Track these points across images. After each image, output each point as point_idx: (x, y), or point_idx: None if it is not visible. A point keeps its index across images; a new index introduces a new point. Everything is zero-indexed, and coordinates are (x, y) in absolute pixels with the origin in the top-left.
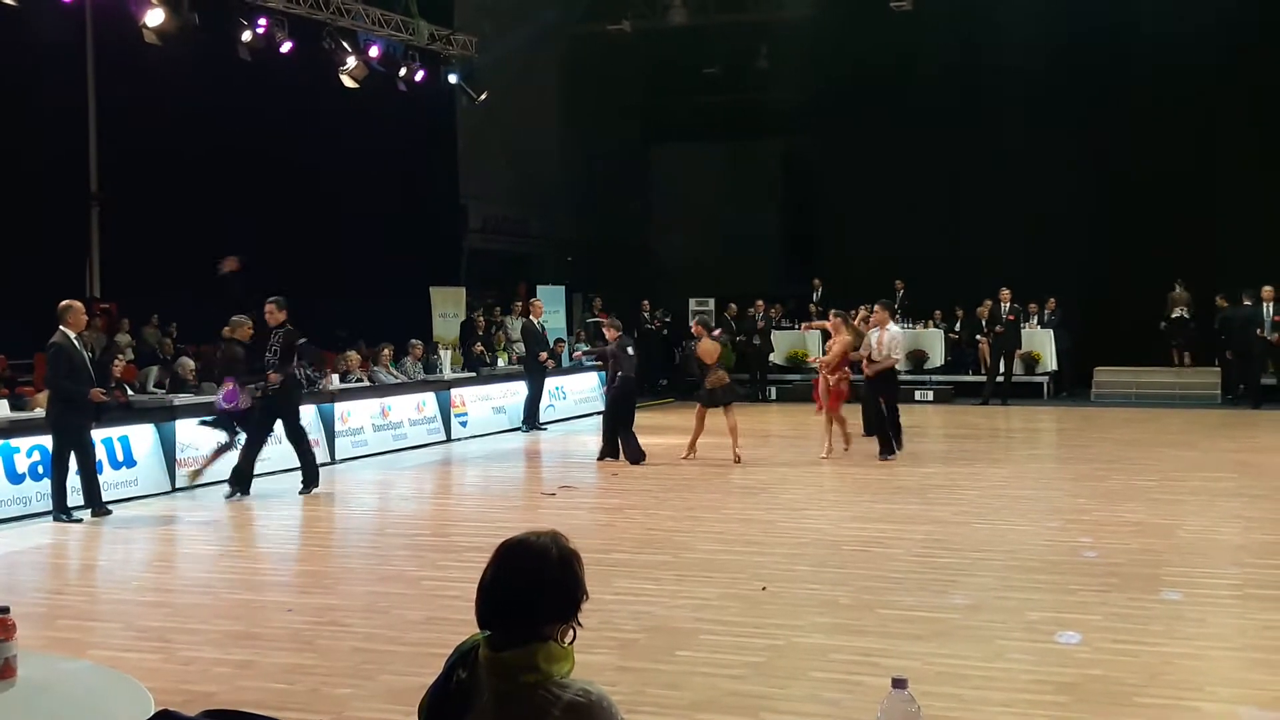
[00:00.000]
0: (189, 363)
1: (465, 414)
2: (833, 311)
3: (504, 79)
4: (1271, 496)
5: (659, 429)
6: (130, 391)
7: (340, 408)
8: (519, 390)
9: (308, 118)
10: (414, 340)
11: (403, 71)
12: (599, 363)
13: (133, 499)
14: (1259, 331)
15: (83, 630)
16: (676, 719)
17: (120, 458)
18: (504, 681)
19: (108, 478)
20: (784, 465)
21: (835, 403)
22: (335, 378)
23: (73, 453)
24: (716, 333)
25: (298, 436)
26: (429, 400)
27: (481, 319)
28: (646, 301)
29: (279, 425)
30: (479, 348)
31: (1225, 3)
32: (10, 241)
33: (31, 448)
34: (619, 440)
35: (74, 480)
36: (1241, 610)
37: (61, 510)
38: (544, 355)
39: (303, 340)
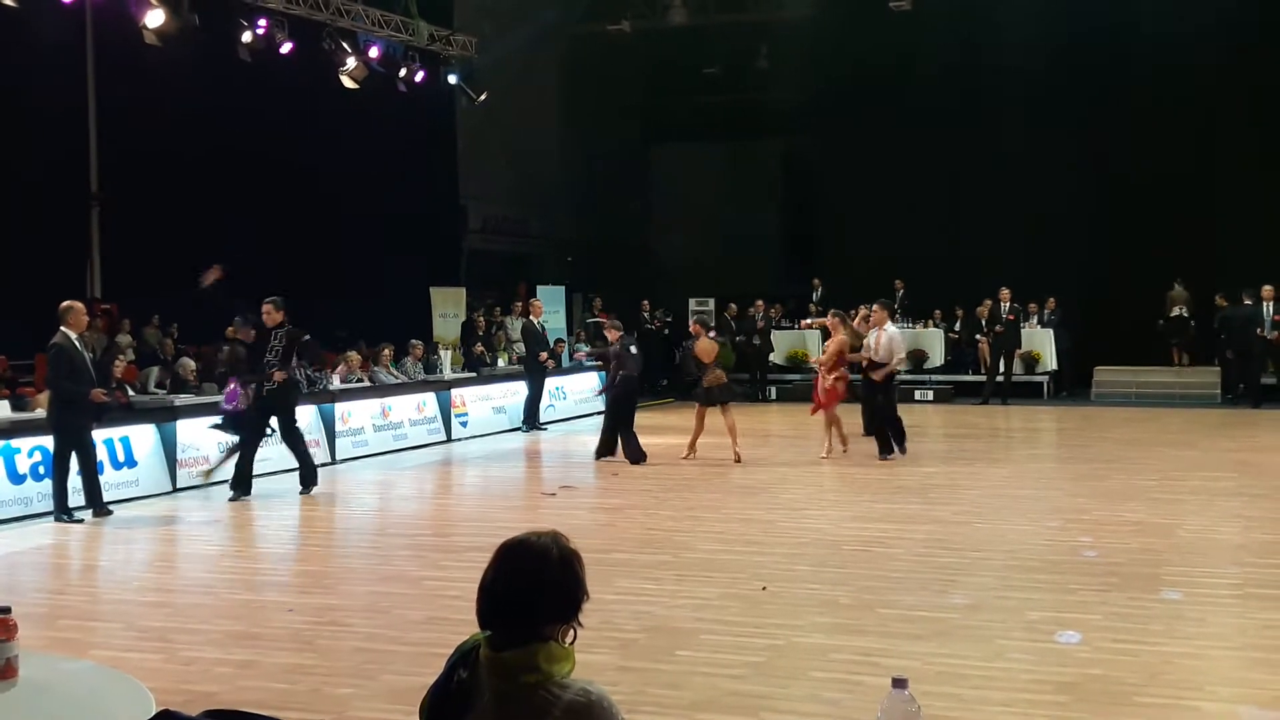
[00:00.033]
0: (190, 363)
1: (465, 414)
2: (831, 311)
3: (504, 79)
4: (1271, 496)
5: (659, 429)
6: (131, 392)
7: (341, 408)
8: (519, 390)
9: (308, 118)
10: (414, 340)
11: (403, 72)
12: (599, 363)
13: (134, 499)
14: (1259, 331)
15: (84, 630)
16: (677, 719)
17: (121, 458)
18: (504, 681)
19: (109, 478)
20: (784, 465)
21: (830, 402)
22: (336, 378)
23: (74, 453)
24: (710, 334)
25: (294, 438)
26: (429, 400)
27: (482, 319)
28: (646, 301)
29: (276, 425)
30: (479, 348)
31: (1225, 3)
32: (11, 242)
33: (33, 448)
34: (620, 439)
35: (75, 481)
36: (1241, 610)
37: (63, 510)
38: (544, 355)
39: (306, 338)
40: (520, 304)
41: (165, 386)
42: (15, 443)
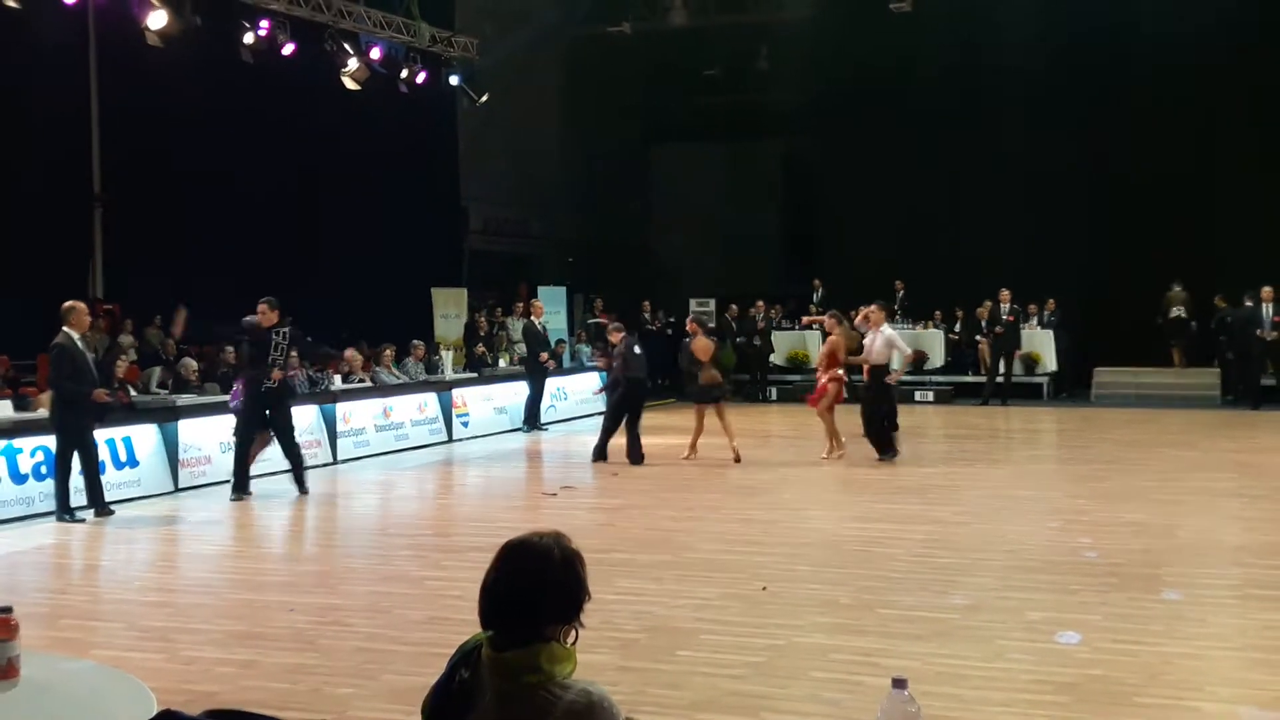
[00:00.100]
0: (192, 363)
1: (467, 414)
2: (829, 311)
3: (505, 80)
4: (1271, 497)
5: (659, 429)
6: (133, 392)
7: (342, 408)
8: (520, 391)
9: (309, 119)
10: (416, 341)
11: (404, 73)
12: (599, 360)
13: (135, 499)
14: (1258, 332)
15: (85, 630)
16: (677, 719)
17: (123, 458)
18: (506, 681)
19: (110, 478)
20: (784, 465)
21: (818, 400)
22: (337, 378)
23: (76, 453)
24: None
25: (288, 441)
26: (430, 401)
27: (483, 320)
28: (647, 302)
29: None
30: (480, 348)
31: (1225, 3)
32: (13, 242)
33: (35, 448)
34: (626, 440)
35: (77, 480)
36: (1241, 610)
37: (64, 510)
38: (545, 356)
39: (308, 339)
40: (521, 304)
41: (167, 386)
42: (17, 443)
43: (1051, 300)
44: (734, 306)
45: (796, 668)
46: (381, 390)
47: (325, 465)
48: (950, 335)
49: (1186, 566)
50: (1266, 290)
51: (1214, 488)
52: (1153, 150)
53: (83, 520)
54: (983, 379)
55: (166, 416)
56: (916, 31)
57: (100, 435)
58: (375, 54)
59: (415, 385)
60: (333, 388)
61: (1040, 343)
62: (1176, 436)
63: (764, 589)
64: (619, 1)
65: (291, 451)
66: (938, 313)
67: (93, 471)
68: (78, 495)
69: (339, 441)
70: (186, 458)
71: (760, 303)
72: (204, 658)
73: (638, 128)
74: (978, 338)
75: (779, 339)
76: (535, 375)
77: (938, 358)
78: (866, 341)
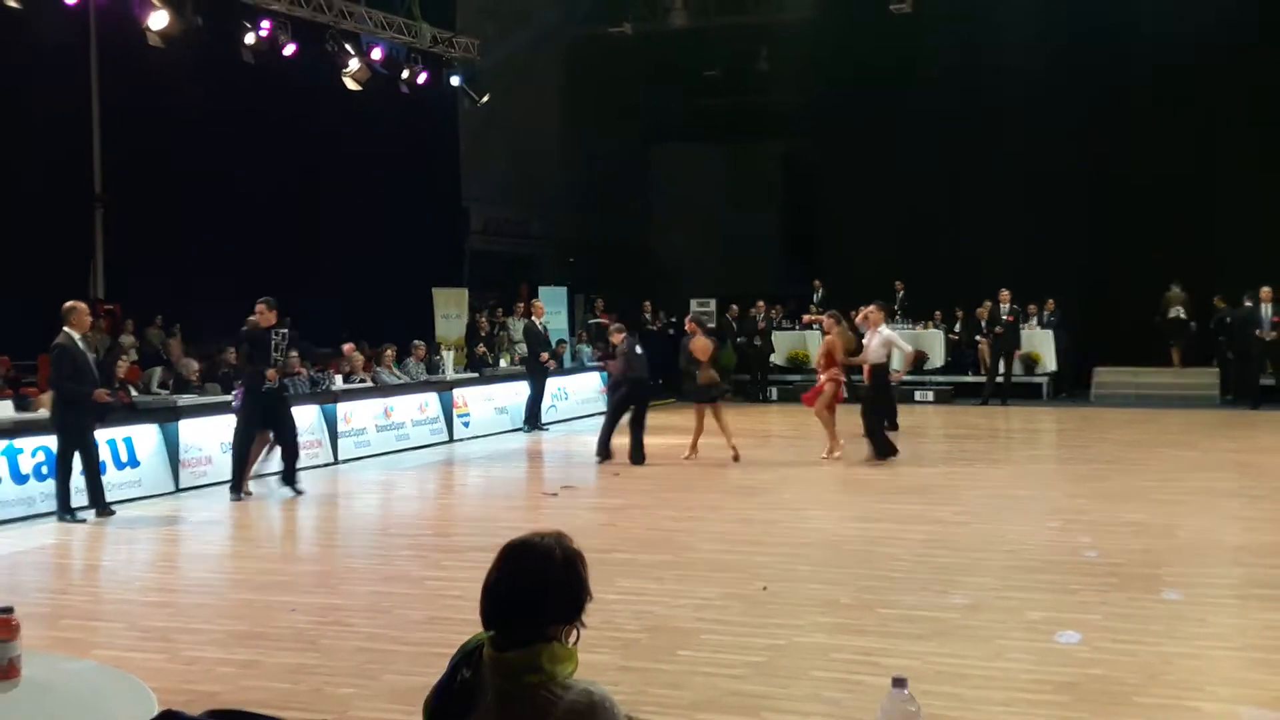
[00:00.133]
0: (193, 364)
1: (468, 414)
2: (828, 312)
3: (506, 81)
4: (1271, 497)
5: (659, 429)
6: (134, 392)
7: (343, 408)
8: (521, 391)
9: (310, 120)
10: (417, 341)
11: (405, 74)
12: (601, 363)
13: (136, 499)
14: (1257, 332)
15: (86, 630)
16: (678, 718)
17: (124, 458)
18: (507, 681)
19: (111, 478)
20: (784, 465)
21: (813, 399)
22: (339, 378)
23: (77, 453)
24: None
25: (290, 441)
26: (431, 401)
27: (484, 320)
28: (648, 302)
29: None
30: (481, 349)
31: (1225, 3)
32: (14, 243)
33: (36, 448)
34: (629, 439)
35: (78, 481)
36: (1241, 610)
37: (65, 510)
38: (545, 356)
39: (303, 341)
40: (522, 305)
41: (168, 387)
42: (18, 443)
43: (1051, 300)
44: (734, 306)
45: (797, 667)
46: (382, 390)
47: (326, 465)
48: (950, 335)
49: (1186, 566)
50: (1265, 290)
51: (1214, 487)
52: (1153, 150)
53: (84, 520)
54: (982, 379)
55: (167, 417)
56: (916, 32)
57: (101, 435)
58: (376, 54)
59: (416, 385)
60: (334, 388)
61: (1040, 343)
62: (1176, 436)
63: (764, 589)
64: (619, 2)
65: (290, 452)
66: (938, 313)
67: (94, 472)
68: (79, 495)
69: (340, 441)
70: (187, 458)
71: (760, 303)
72: (205, 658)
73: (638, 128)
74: (977, 338)
75: (779, 339)
76: (536, 375)
77: (937, 358)
78: (865, 341)
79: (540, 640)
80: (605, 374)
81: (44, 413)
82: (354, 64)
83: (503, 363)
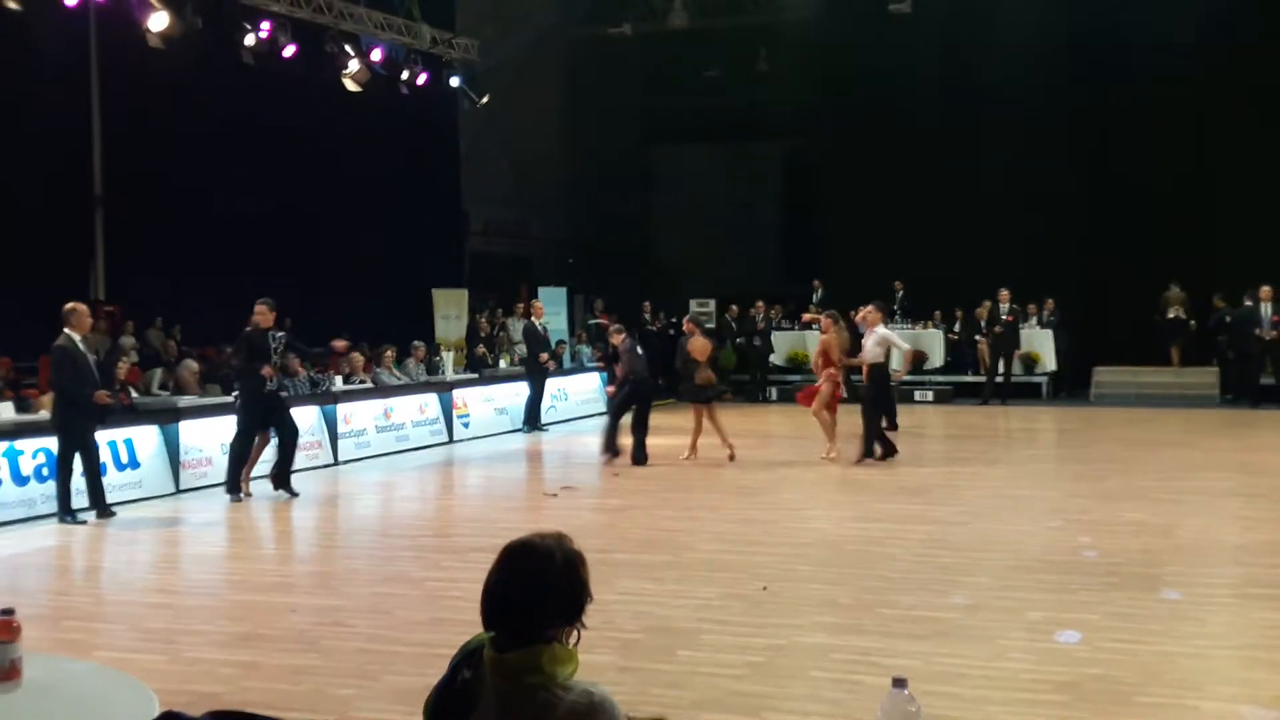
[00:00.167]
0: (193, 365)
1: (467, 415)
2: (825, 312)
3: (505, 82)
4: (1271, 496)
5: (659, 429)
6: (134, 393)
7: (343, 409)
8: (521, 392)
9: (310, 121)
10: (417, 342)
11: (405, 75)
12: (601, 363)
13: (137, 501)
14: (1257, 331)
15: (88, 631)
16: (678, 719)
17: (125, 460)
18: (508, 682)
19: (112, 479)
20: (784, 465)
21: (808, 399)
22: (339, 379)
23: (77, 455)
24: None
25: (289, 442)
26: (431, 402)
27: (484, 321)
28: (648, 303)
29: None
30: (481, 349)
31: (1224, 3)
32: (15, 244)
33: (36, 450)
34: (633, 439)
35: (79, 482)
36: (1241, 609)
37: (66, 512)
38: (545, 356)
39: (297, 343)
40: (522, 305)
41: (168, 388)
42: (19, 444)
43: (1051, 300)
44: (734, 307)
45: (797, 667)
46: (382, 391)
47: (326, 466)
48: (950, 335)
49: (1186, 566)
50: (1265, 289)
51: (1214, 487)
52: (1152, 150)
53: (84, 522)
54: (982, 379)
55: (168, 418)
56: (916, 32)
57: (102, 437)
58: (376, 56)
59: (416, 386)
60: (334, 389)
61: (1039, 342)
62: (1176, 436)
63: (764, 589)
64: (619, 3)
65: (286, 454)
66: (937, 313)
67: (94, 473)
68: (79, 497)
69: (340, 442)
70: (188, 459)
71: (760, 303)
72: (206, 659)
73: (638, 129)
74: (977, 337)
75: (779, 339)
76: (536, 376)
77: (937, 358)
78: (864, 341)
79: (541, 641)
80: (605, 374)
81: (44, 414)
82: (354, 65)
83: (502, 363)
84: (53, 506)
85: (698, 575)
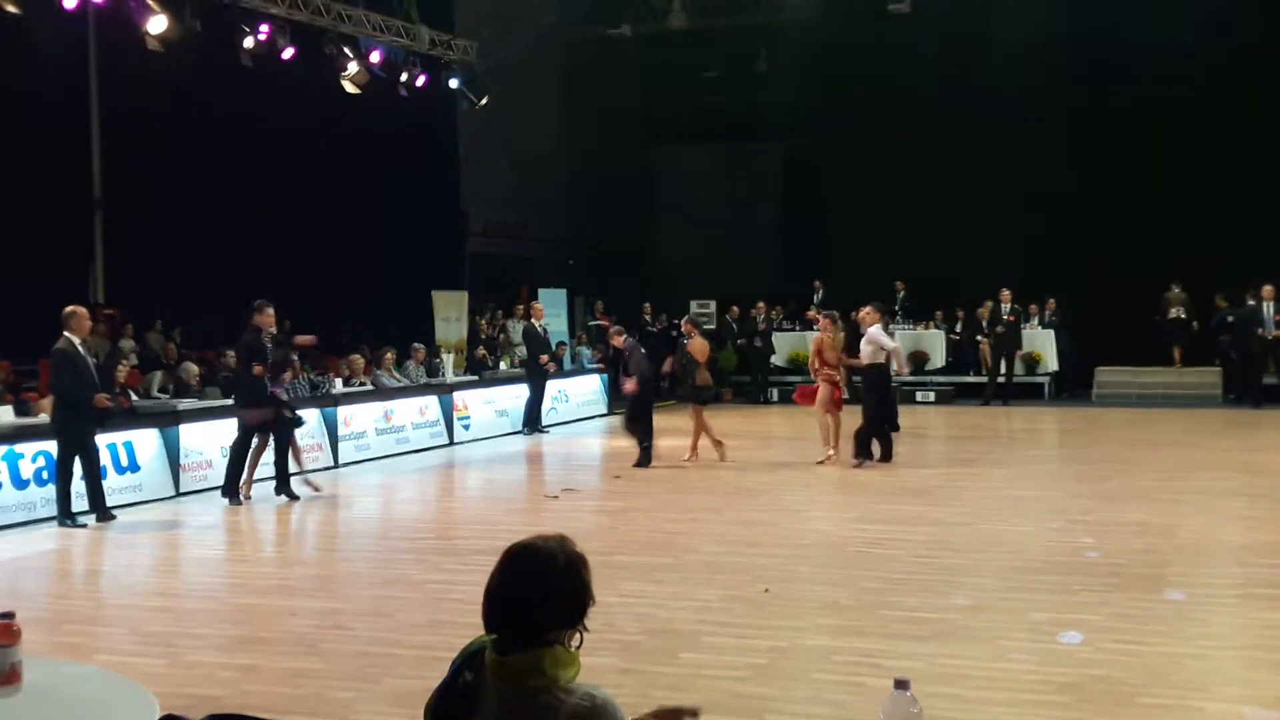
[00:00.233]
0: (193, 368)
1: (468, 417)
2: (823, 312)
3: (504, 83)
4: (1273, 496)
5: (659, 430)
6: (134, 397)
7: (343, 411)
8: (521, 393)
9: (309, 123)
10: (416, 344)
11: (404, 77)
12: (601, 365)
13: (137, 504)
14: (1259, 331)
15: (88, 635)
16: None
17: (124, 463)
18: (510, 685)
19: (112, 483)
20: (785, 467)
21: (805, 398)
22: (338, 381)
23: (77, 458)
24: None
25: (285, 444)
26: (431, 404)
27: (485, 323)
28: (648, 304)
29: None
30: (481, 351)
31: (1224, 3)
32: (14, 246)
33: (36, 453)
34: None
35: (78, 485)
36: (1244, 610)
37: (66, 515)
38: (545, 358)
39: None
40: (522, 307)
41: (168, 391)
42: (19, 448)
43: (1052, 300)
44: (735, 308)
45: (799, 669)
46: (382, 393)
47: (326, 469)
48: (951, 335)
49: (1189, 566)
50: (1268, 289)
51: (1216, 487)
52: (1153, 150)
53: (84, 525)
54: (984, 379)
55: (168, 421)
56: (915, 32)
57: (101, 440)
58: (375, 58)
59: (416, 388)
60: (334, 391)
61: (1041, 342)
62: (1178, 436)
63: (766, 591)
64: (619, 3)
65: (282, 456)
66: (939, 313)
67: (94, 476)
68: (79, 500)
69: (340, 445)
70: (188, 462)
71: (761, 304)
72: (206, 662)
73: (637, 130)
74: (979, 338)
75: (780, 340)
76: (536, 378)
77: (939, 358)
78: (863, 342)
79: (543, 644)
80: (605, 377)
81: (44, 417)
82: (353, 67)
83: (503, 365)
84: (52, 510)
85: (699, 577)
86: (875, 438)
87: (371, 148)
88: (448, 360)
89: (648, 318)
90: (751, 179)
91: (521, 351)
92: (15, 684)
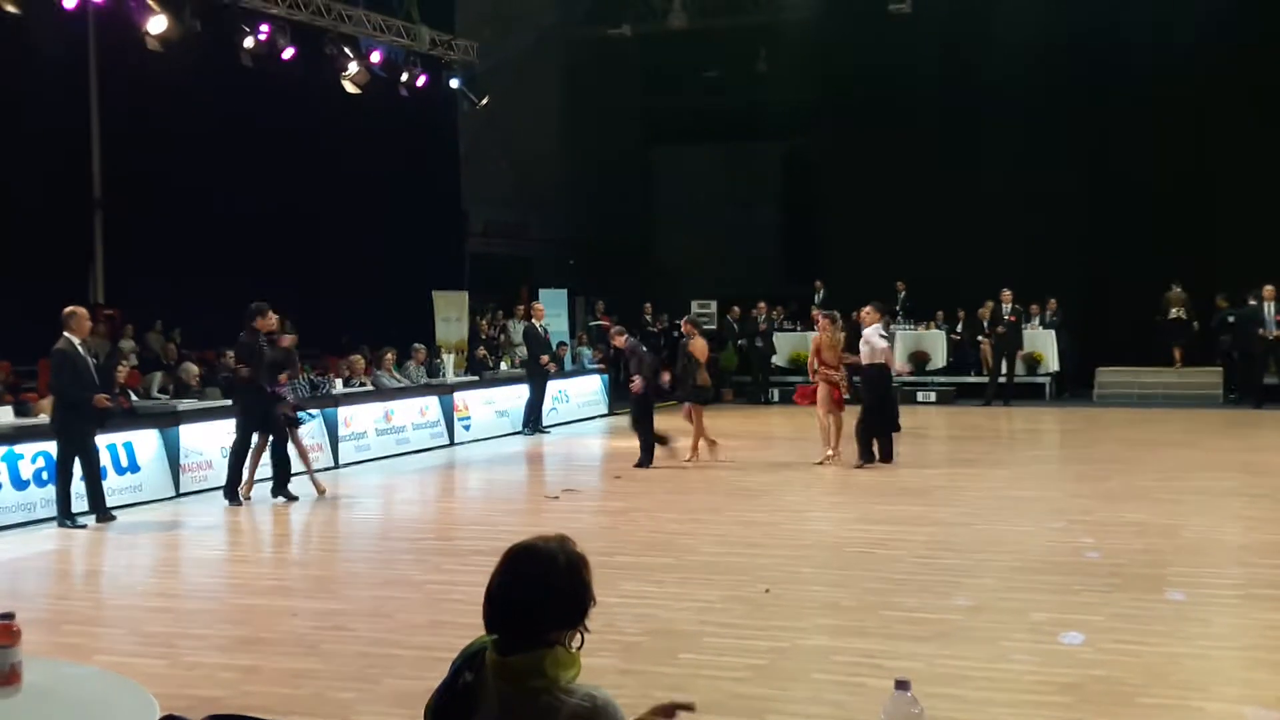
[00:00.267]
0: (193, 368)
1: (468, 418)
2: (821, 312)
3: (505, 83)
4: (1274, 496)
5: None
6: (134, 397)
7: (343, 412)
8: (522, 394)
9: (310, 124)
10: (417, 344)
11: (404, 77)
12: (602, 365)
13: (137, 504)
14: (1260, 331)
15: (88, 636)
16: None
17: (124, 463)
18: (510, 686)
19: (112, 483)
20: (786, 467)
21: (804, 398)
22: (339, 382)
23: (77, 458)
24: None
25: (281, 446)
26: (432, 404)
27: (486, 324)
28: (649, 304)
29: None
30: (481, 351)
31: (1225, 3)
32: (14, 247)
33: (36, 454)
34: (640, 438)
35: (78, 486)
36: (1245, 610)
37: (66, 516)
38: (545, 359)
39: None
40: (522, 307)
41: (168, 391)
42: (18, 448)
43: (1053, 300)
44: (736, 308)
45: (799, 670)
46: (383, 394)
47: (326, 469)
48: (952, 336)
49: (1190, 566)
50: (1269, 289)
51: (1217, 487)
52: (1153, 150)
53: (84, 526)
54: (985, 379)
55: (168, 421)
56: (916, 32)
57: (101, 440)
58: (375, 58)
59: (416, 389)
60: (334, 392)
61: (1042, 343)
62: (1179, 436)
63: (767, 591)
64: (619, 3)
65: (280, 457)
66: (940, 313)
67: (94, 477)
68: (79, 501)
69: (340, 445)
70: (188, 463)
71: (762, 304)
72: (206, 663)
73: (638, 130)
74: (980, 338)
75: (781, 340)
76: (536, 378)
77: (940, 358)
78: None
79: (544, 645)
80: (606, 378)
81: (44, 418)
82: (353, 67)
83: (503, 366)
84: (52, 510)
85: (700, 578)
86: (874, 438)
87: (372, 148)
88: (448, 360)
89: (648, 318)
90: (752, 179)
91: (522, 352)
92: (15, 684)
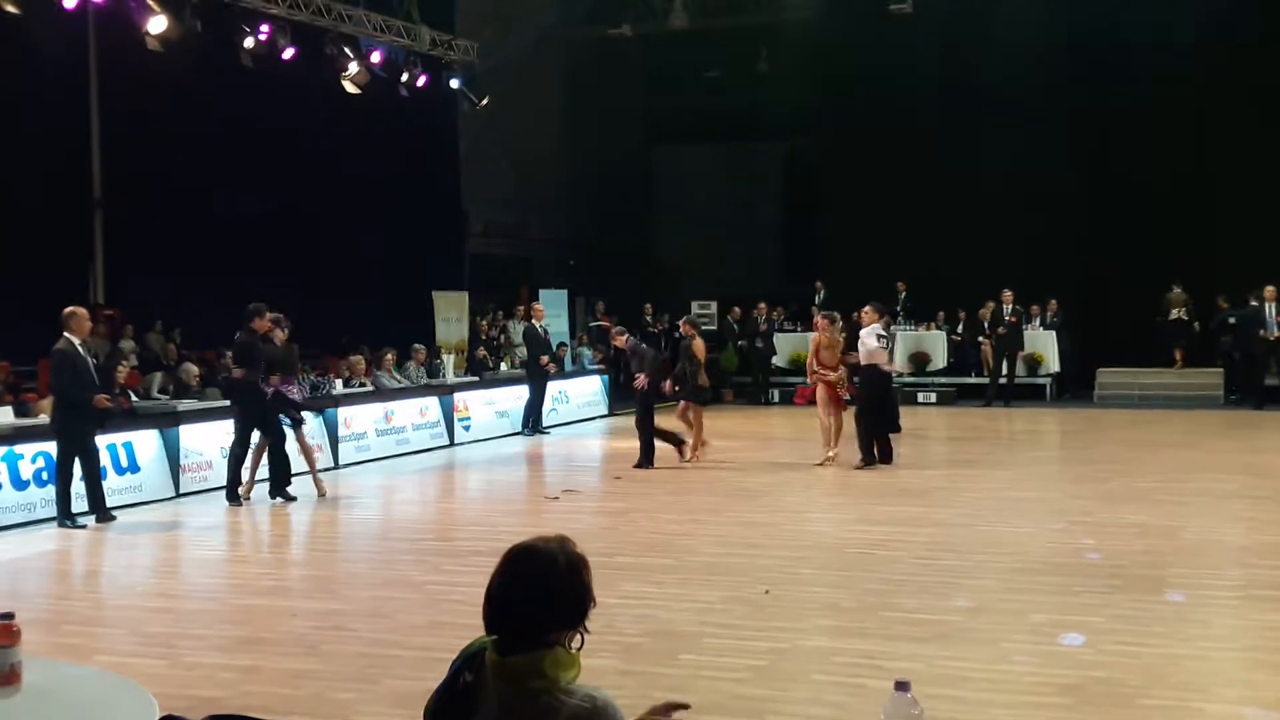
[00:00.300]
0: (193, 368)
1: (468, 418)
2: (820, 313)
3: (505, 83)
4: (1274, 497)
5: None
6: (134, 397)
7: (343, 412)
8: (522, 394)
9: (310, 124)
10: (417, 345)
11: (404, 77)
12: (602, 365)
13: (137, 504)
14: (1261, 332)
15: (88, 636)
16: None
17: (124, 463)
18: (510, 686)
19: (112, 483)
20: (786, 468)
21: (804, 398)
22: (339, 382)
23: (77, 458)
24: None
25: (280, 446)
26: (432, 405)
27: (486, 325)
28: (649, 305)
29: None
30: (481, 352)
31: (1225, 3)
32: (14, 247)
33: (36, 454)
34: (640, 441)
35: (78, 486)
36: (1245, 611)
37: (66, 516)
38: (545, 359)
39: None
40: (522, 308)
41: (168, 392)
42: (18, 448)
43: (1054, 301)
44: (736, 309)
45: (799, 671)
46: (383, 394)
47: (326, 470)
48: (953, 336)
49: (1190, 568)
50: (1270, 290)
51: (1217, 488)
52: (1153, 150)
53: (84, 526)
54: (985, 380)
55: (168, 422)
56: (916, 32)
57: (101, 441)
58: (375, 58)
59: (416, 389)
60: (334, 392)
61: (1043, 343)
62: (1179, 437)
63: (766, 592)
64: (619, 3)
65: (278, 458)
66: (940, 314)
67: (94, 477)
68: (79, 501)
69: (340, 446)
70: (188, 463)
71: (762, 305)
72: (206, 663)
73: (638, 130)
74: (980, 339)
75: (781, 341)
76: (536, 378)
77: (940, 359)
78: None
79: (543, 646)
80: (606, 378)
81: (44, 418)
82: (353, 67)
83: (503, 366)
84: (52, 511)
85: (700, 579)
86: (874, 438)
87: (372, 148)
88: (448, 361)
89: (649, 318)
90: (752, 179)
91: (522, 352)
92: (15, 684)
